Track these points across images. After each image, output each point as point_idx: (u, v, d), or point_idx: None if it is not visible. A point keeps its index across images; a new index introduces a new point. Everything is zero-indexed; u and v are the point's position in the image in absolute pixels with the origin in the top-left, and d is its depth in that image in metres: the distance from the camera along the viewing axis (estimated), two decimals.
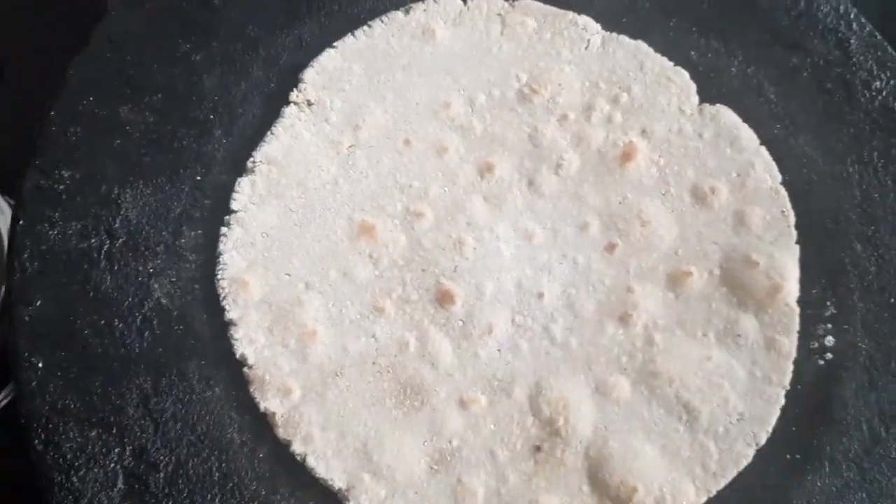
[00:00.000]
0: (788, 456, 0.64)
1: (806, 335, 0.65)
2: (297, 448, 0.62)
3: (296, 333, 0.64)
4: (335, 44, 0.71)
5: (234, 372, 0.64)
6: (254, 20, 0.72)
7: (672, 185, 0.69)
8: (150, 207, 0.67)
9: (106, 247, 0.65)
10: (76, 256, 0.65)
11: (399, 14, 0.72)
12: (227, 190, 0.67)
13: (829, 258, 0.68)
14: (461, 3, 0.73)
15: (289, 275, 0.66)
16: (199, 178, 0.68)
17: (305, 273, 0.66)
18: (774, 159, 0.69)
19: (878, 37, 0.72)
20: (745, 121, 0.70)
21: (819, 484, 0.63)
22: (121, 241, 0.66)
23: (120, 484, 0.61)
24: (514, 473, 0.62)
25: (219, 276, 0.65)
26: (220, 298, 0.65)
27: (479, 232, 0.68)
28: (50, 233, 0.65)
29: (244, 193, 0.67)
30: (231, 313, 0.65)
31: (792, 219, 0.67)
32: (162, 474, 0.61)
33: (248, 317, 0.65)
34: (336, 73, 0.71)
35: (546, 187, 0.69)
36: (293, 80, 0.70)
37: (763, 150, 0.69)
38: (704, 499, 0.62)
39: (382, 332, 0.65)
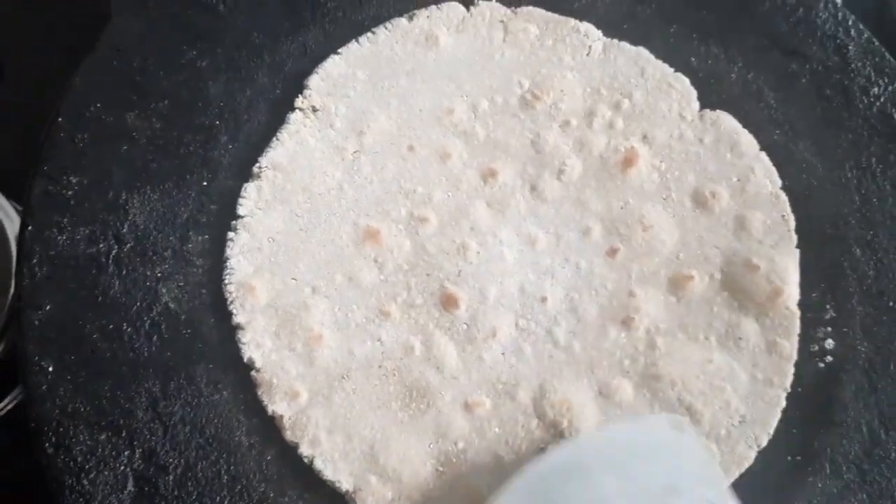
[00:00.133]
0: (789, 458, 0.65)
1: (806, 338, 0.66)
2: (305, 451, 0.63)
3: (302, 337, 0.65)
4: (340, 50, 0.72)
5: (242, 375, 0.65)
6: (259, 27, 0.72)
7: (673, 190, 0.70)
8: (157, 213, 0.67)
9: (114, 252, 0.66)
10: (85, 261, 0.65)
11: (403, 21, 0.73)
12: (234, 195, 0.68)
13: (828, 262, 0.69)
14: (464, 9, 0.73)
15: (295, 279, 0.67)
16: (205, 183, 0.69)
17: (311, 278, 0.67)
18: (774, 164, 0.70)
19: (876, 43, 0.73)
20: (745, 126, 0.71)
21: (820, 485, 0.64)
22: (129, 246, 0.66)
23: (130, 486, 0.61)
24: None
25: (226, 281, 0.66)
26: (228, 303, 0.66)
27: (483, 237, 0.69)
28: (58, 238, 0.66)
29: (250, 199, 0.68)
30: (238, 317, 0.65)
31: (792, 223, 0.68)
32: (171, 477, 0.62)
33: (255, 321, 0.65)
34: (340, 79, 0.71)
35: (548, 193, 0.70)
36: (298, 87, 0.71)
37: (763, 155, 0.70)
38: None
39: (388, 336, 0.66)
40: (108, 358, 0.64)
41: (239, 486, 0.62)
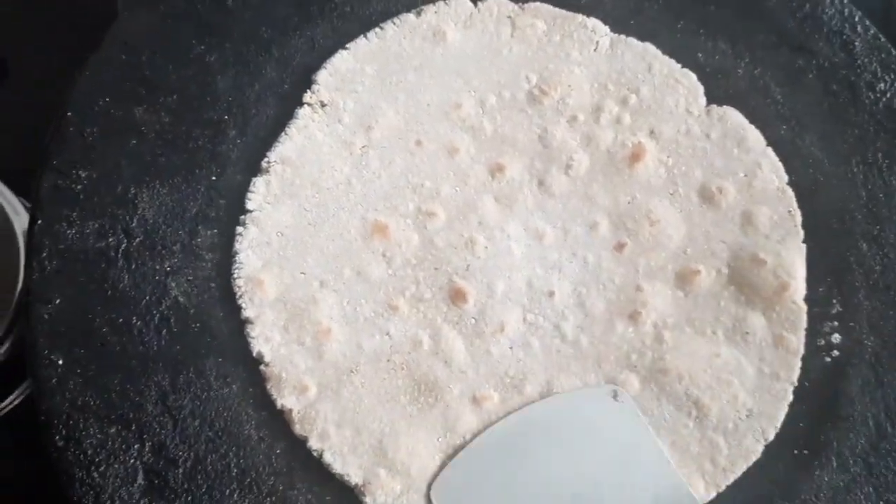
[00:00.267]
0: (796, 451, 0.65)
1: (813, 333, 0.67)
2: (314, 444, 0.63)
3: (311, 331, 0.65)
4: (348, 45, 0.72)
5: (251, 369, 0.65)
6: (267, 22, 0.72)
7: (680, 185, 0.70)
8: (166, 207, 0.67)
9: (123, 246, 0.66)
10: (94, 255, 0.66)
11: (411, 16, 0.73)
12: (242, 190, 0.68)
13: (835, 257, 0.69)
14: (472, 5, 0.73)
15: (304, 273, 0.67)
16: (214, 178, 0.69)
17: (320, 272, 0.67)
18: (781, 160, 0.70)
19: (882, 39, 0.73)
20: (751, 122, 0.71)
21: (826, 479, 0.64)
22: (138, 240, 0.66)
23: (140, 479, 0.61)
24: None
25: (235, 275, 0.66)
26: (237, 297, 0.66)
27: (491, 231, 0.69)
28: (68, 232, 0.66)
29: (259, 193, 0.68)
30: (247, 312, 0.66)
31: (798, 218, 0.69)
32: (181, 470, 0.62)
33: (264, 315, 0.66)
34: (349, 74, 0.71)
35: (556, 187, 0.70)
36: (306, 82, 0.71)
37: (769, 150, 0.70)
38: (714, 493, 0.63)
39: (396, 330, 0.66)
40: (118, 351, 0.64)
41: (248, 480, 0.63)
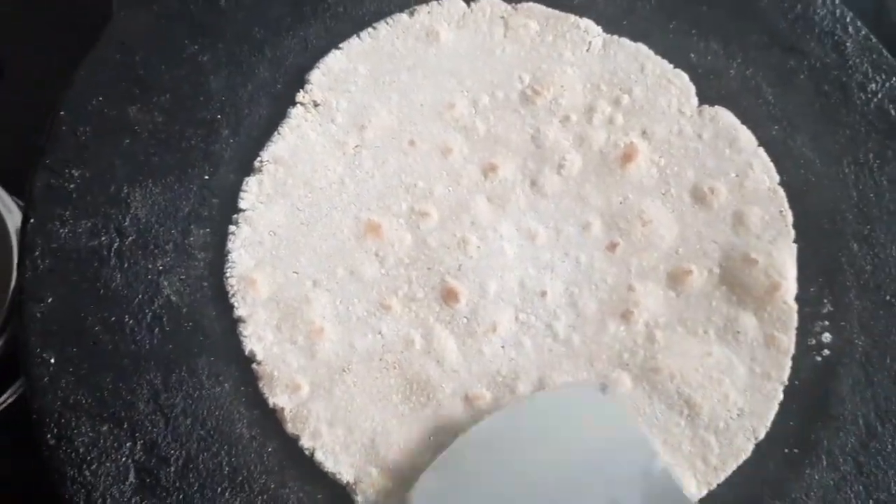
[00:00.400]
0: (787, 450, 0.65)
1: (804, 332, 0.67)
2: (306, 443, 0.63)
3: (303, 330, 0.65)
4: (341, 45, 0.72)
5: (243, 368, 0.65)
6: (260, 22, 0.73)
7: (672, 185, 0.70)
8: (159, 206, 0.67)
9: (116, 245, 0.66)
10: (86, 254, 0.66)
11: (404, 16, 0.73)
12: (235, 189, 0.68)
13: (826, 257, 0.69)
14: (464, 5, 0.74)
15: (296, 273, 0.67)
16: (206, 177, 0.69)
17: (313, 271, 0.67)
18: (772, 160, 0.70)
19: (874, 40, 0.73)
20: (743, 122, 0.71)
21: (817, 478, 0.64)
22: (130, 239, 0.66)
23: (131, 478, 0.61)
24: None
25: (227, 274, 0.66)
26: (229, 296, 0.66)
27: (483, 231, 0.69)
28: (60, 231, 0.66)
29: (252, 192, 0.68)
30: (240, 311, 0.66)
31: (790, 218, 0.69)
32: (172, 468, 0.62)
33: (257, 314, 0.66)
34: (342, 74, 0.71)
35: (549, 187, 0.70)
36: (299, 81, 0.71)
37: (761, 150, 0.70)
38: (705, 492, 0.63)
39: (389, 330, 0.66)
40: (110, 350, 0.64)
41: (240, 478, 0.63)
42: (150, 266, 0.66)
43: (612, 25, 0.74)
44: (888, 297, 0.68)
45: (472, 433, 0.62)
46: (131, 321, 0.65)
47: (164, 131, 0.69)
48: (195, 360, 0.65)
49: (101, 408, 0.63)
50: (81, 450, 0.62)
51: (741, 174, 0.70)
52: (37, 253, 0.65)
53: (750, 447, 0.64)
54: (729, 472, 0.64)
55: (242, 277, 0.66)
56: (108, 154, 0.68)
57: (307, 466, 0.63)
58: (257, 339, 0.65)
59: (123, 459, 0.62)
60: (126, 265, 0.66)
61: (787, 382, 0.66)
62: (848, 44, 0.73)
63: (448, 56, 0.73)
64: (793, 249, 0.68)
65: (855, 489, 0.64)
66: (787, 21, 0.74)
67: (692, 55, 0.74)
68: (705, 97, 0.72)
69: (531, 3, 0.74)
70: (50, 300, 0.64)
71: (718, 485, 0.64)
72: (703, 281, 0.68)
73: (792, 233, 0.68)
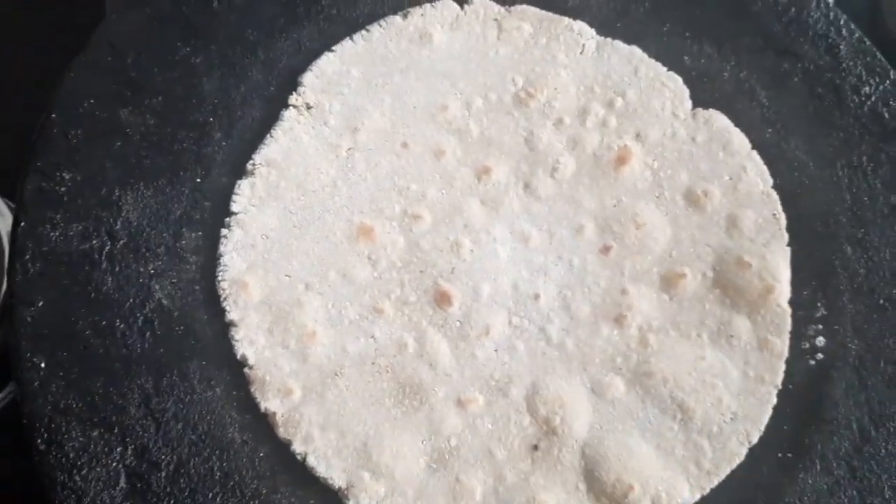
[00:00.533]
0: (780, 454, 0.65)
1: (797, 336, 0.67)
2: (298, 447, 0.63)
3: (296, 334, 0.65)
4: (334, 48, 0.72)
5: (235, 372, 0.65)
6: (253, 24, 0.72)
7: (666, 188, 0.70)
8: (150, 209, 0.67)
9: (107, 248, 0.66)
10: (77, 258, 0.65)
11: (397, 18, 0.73)
12: (227, 192, 0.68)
13: (819, 260, 0.69)
14: (458, 7, 0.74)
15: (289, 276, 0.67)
16: (199, 180, 0.69)
17: (305, 274, 0.67)
18: (766, 163, 0.70)
19: (867, 43, 0.73)
20: (737, 125, 0.71)
21: (810, 482, 0.64)
22: (122, 242, 0.66)
23: (122, 483, 0.61)
24: (511, 472, 0.63)
25: (219, 278, 0.66)
26: (221, 300, 0.66)
27: (476, 234, 0.69)
28: (51, 234, 0.65)
29: (244, 195, 0.68)
30: (231, 314, 0.65)
31: (783, 221, 0.69)
32: (163, 473, 0.62)
33: (249, 318, 0.65)
34: (335, 76, 0.71)
35: (542, 190, 0.70)
36: (292, 84, 0.71)
37: (755, 153, 0.70)
38: (698, 496, 0.63)
39: (381, 333, 0.66)
40: (101, 354, 0.64)
41: (231, 483, 0.62)
42: (141, 270, 0.66)
43: (605, 28, 0.74)
44: (882, 301, 0.68)
45: None
46: (122, 325, 0.64)
47: (155, 134, 0.69)
48: (186, 364, 0.64)
49: (92, 412, 0.62)
50: (72, 454, 0.61)
51: (735, 177, 0.70)
52: (27, 256, 0.65)
53: (743, 451, 0.64)
54: (722, 476, 0.64)
55: (234, 281, 0.66)
56: (99, 157, 0.68)
57: (299, 471, 0.63)
58: (249, 342, 0.65)
59: (114, 464, 0.61)
60: (117, 269, 0.66)
61: (780, 386, 0.65)
62: (842, 46, 0.73)
63: (441, 58, 0.72)
64: (786, 253, 0.68)
65: (849, 493, 0.64)
66: (780, 24, 0.74)
67: (686, 58, 0.74)
68: (699, 100, 0.72)
69: (525, 6, 0.74)
70: (41, 304, 0.64)
71: (712, 489, 0.63)
72: (696, 284, 0.68)
73: (785, 236, 0.68)
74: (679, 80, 0.72)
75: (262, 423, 0.64)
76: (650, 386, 0.65)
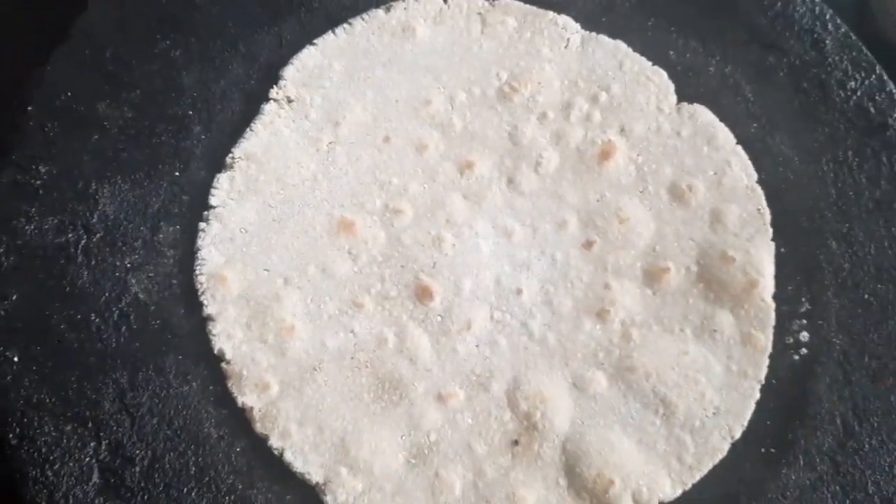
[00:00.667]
0: (763, 450, 0.64)
1: (781, 331, 0.66)
2: (275, 442, 0.62)
3: (274, 329, 0.64)
4: (315, 41, 0.71)
5: (212, 367, 0.64)
6: (233, 17, 0.72)
7: (650, 182, 0.69)
8: (127, 203, 0.67)
9: (83, 242, 0.65)
10: (53, 251, 0.65)
11: (380, 12, 0.72)
12: (206, 186, 0.67)
13: (804, 255, 0.68)
14: (441, 1, 0.73)
15: (267, 270, 0.66)
16: (177, 173, 0.68)
17: (284, 269, 0.66)
18: (751, 158, 0.69)
19: (853, 37, 0.73)
20: (722, 119, 0.70)
21: (793, 477, 0.64)
22: (98, 236, 0.65)
23: (95, 478, 0.60)
24: (491, 467, 0.63)
25: (197, 272, 0.65)
26: (198, 294, 0.65)
27: (459, 229, 0.68)
28: (26, 228, 0.65)
29: (223, 189, 0.67)
30: (209, 308, 0.65)
31: (767, 216, 0.68)
32: (138, 468, 0.61)
33: (226, 312, 0.65)
34: (316, 70, 0.71)
35: (525, 185, 0.69)
36: (273, 77, 0.70)
37: (739, 148, 0.70)
38: (680, 491, 0.63)
39: (361, 328, 0.65)
40: (76, 348, 0.63)
41: (207, 478, 0.61)
42: (117, 263, 0.65)
43: (590, 22, 0.73)
44: (866, 296, 0.67)
45: None
46: (97, 319, 0.64)
47: (133, 127, 0.68)
48: (163, 358, 0.64)
49: (66, 407, 0.62)
50: (44, 449, 0.60)
51: (719, 172, 0.69)
52: (2, 250, 0.64)
53: (726, 446, 0.63)
54: (705, 471, 0.63)
55: (212, 275, 0.65)
56: (76, 150, 0.67)
57: (276, 466, 0.62)
58: (226, 337, 0.64)
59: (87, 459, 0.61)
60: (93, 262, 0.65)
61: (763, 381, 0.65)
62: (827, 41, 0.73)
63: (424, 52, 0.72)
64: (771, 247, 0.67)
65: (832, 489, 0.63)
66: (766, 18, 0.74)
67: (671, 52, 0.73)
68: (684, 95, 0.71)
69: (509, 0, 0.73)
70: (14, 297, 0.63)
71: (694, 484, 0.63)
72: (680, 279, 0.67)
73: (770, 231, 0.68)
74: (664, 74, 0.72)
75: (239, 418, 0.63)
76: (632, 381, 0.65)
